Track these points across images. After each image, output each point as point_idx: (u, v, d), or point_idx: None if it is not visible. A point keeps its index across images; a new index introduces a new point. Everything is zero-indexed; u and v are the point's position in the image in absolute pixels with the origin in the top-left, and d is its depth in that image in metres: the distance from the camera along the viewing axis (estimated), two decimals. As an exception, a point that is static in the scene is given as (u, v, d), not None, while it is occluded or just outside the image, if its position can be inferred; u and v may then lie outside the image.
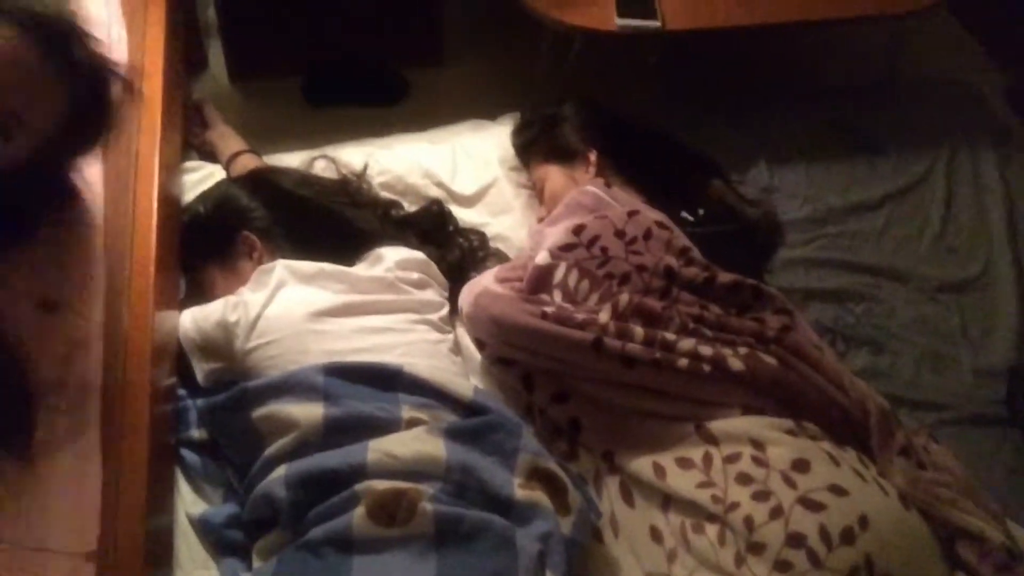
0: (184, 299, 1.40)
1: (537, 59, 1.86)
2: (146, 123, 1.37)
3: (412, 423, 1.21)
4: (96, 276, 1.16)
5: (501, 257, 1.60)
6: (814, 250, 1.68)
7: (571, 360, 1.28)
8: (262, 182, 1.52)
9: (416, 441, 1.18)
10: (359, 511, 1.08)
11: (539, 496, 1.16)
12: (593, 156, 1.56)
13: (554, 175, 1.60)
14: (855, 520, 1.11)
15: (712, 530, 1.15)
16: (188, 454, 1.27)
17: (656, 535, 1.20)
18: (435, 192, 1.66)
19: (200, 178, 1.61)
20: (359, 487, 1.12)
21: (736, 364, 1.27)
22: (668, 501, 1.21)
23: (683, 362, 1.25)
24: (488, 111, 1.83)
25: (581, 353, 1.27)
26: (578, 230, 1.40)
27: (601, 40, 1.68)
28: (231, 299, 1.30)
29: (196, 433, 1.28)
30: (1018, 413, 1.47)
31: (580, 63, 1.80)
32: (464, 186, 1.67)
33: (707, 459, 1.21)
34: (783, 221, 1.65)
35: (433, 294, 1.45)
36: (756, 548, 1.11)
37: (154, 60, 1.46)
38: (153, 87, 1.43)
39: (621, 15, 1.62)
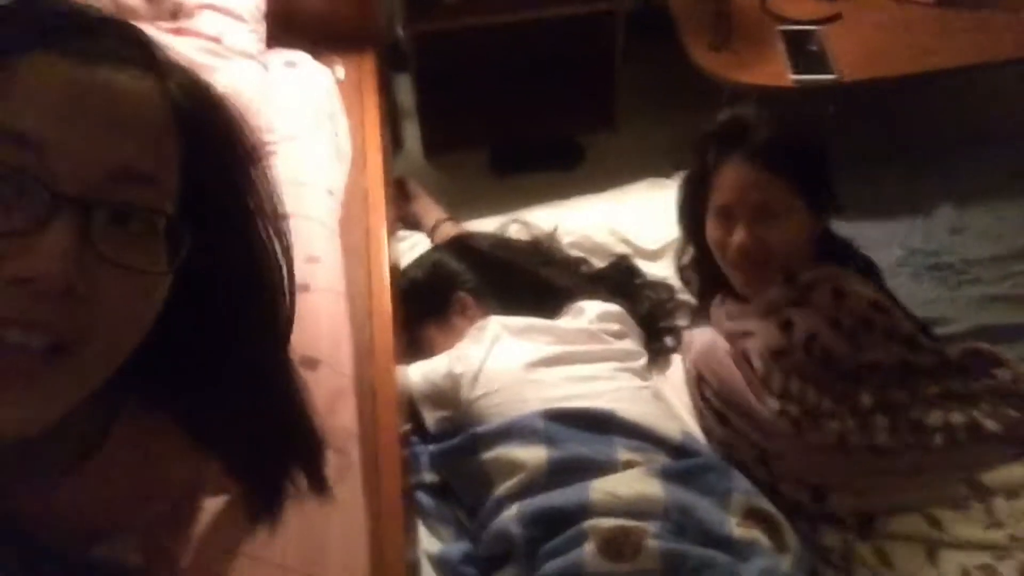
0: (407, 357, 1.55)
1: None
2: (373, 199, 1.55)
3: (628, 465, 1.29)
4: (345, 336, 1.32)
5: (688, 306, 1.68)
6: (1009, 288, 1.66)
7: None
8: (465, 248, 1.67)
9: (635, 481, 1.26)
10: (589, 547, 1.16)
11: (756, 534, 1.21)
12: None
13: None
14: None
15: (1009, 565, 1.14)
16: (421, 496, 1.39)
17: None
18: (621, 248, 1.76)
19: (409, 246, 1.78)
20: (586, 525, 1.20)
21: (990, 425, 1.24)
22: (936, 552, 1.19)
23: (938, 439, 1.23)
24: (662, 172, 1.93)
25: (825, 453, 1.26)
26: (786, 326, 1.30)
27: (776, 96, 1.75)
28: (454, 353, 1.44)
29: (428, 476, 1.41)
30: None
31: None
32: (648, 241, 1.77)
33: (987, 506, 1.20)
34: (972, 259, 1.64)
35: (631, 344, 1.54)
36: None
37: (373, 142, 1.65)
38: (375, 166, 1.61)
39: (796, 71, 1.69)
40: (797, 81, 1.68)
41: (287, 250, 0.64)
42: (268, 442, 0.68)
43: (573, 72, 2.07)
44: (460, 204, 1.90)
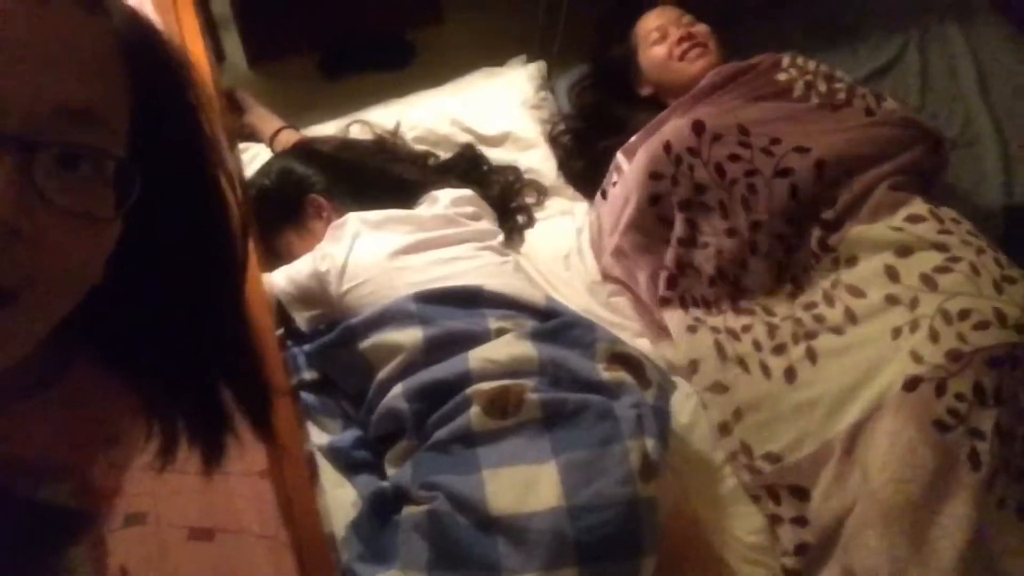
0: (267, 264, 1.55)
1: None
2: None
3: (500, 332, 1.37)
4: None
5: (537, 187, 1.76)
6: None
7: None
8: (310, 151, 1.67)
9: (508, 346, 1.34)
10: (475, 410, 1.24)
11: (622, 375, 1.33)
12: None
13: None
14: None
15: (963, 265, 1.33)
16: (304, 395, 1.43)
17: (891, 300, 1.35)
18: (464, 138, 1.81)
19: (250, 157, 1.75)
20: (469, 391, 1.28)
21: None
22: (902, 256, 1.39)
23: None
24: (493, 61, 1.98)
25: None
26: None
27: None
28: (317, 252, 1.45)
29: (307, 375, 1.44)
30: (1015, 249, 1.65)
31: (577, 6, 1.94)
32: (489, 128, 1.82)
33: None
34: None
35: (487, 224, 1.60)
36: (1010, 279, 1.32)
37: (196, 53, 1.58)
38: (203, 80, 1.55)
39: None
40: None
41: (238, 189, 0.63)
42: (215, 383, 0.66)
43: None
44: (294, 111, 1.86)
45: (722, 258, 1.49)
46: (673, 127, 1.55)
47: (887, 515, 1.19)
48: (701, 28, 1.73)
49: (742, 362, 1.43)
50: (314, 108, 1.91)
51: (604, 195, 1.67)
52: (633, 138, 1.65)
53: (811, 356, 1.38)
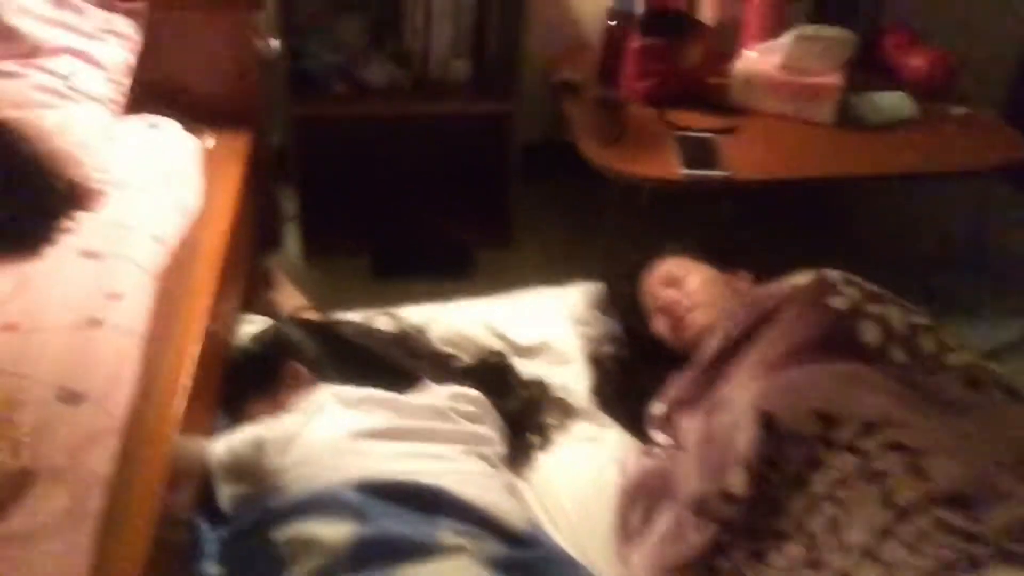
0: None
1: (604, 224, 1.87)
2: (209, 255, 1.38)
3: (451, 551, 1.04)
4: (127, 379, 1.10)
5: (562, 406, 1.48)
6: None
7: None
8: (317, 326, 1.49)
9: (457, 571, 1.01)
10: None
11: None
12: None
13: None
14: None
15: None
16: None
17: None
18: (495, 343, 1.58)
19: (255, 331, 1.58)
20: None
21: None
22: None
23: None
24: (556, 284, 1.80)
25: None
26: None
27: (669, 192, 1.67)
28: (269, 419, 1.21)
29: (213, 570, 1.13)
30: None
31: (650, 223, 1.77)
32: (526, 337, 1.59)
33: None
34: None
35: (488, 430, 1.32)
36: None
37: (226, 204, 1.51)
38: (219, 231, 1.45)
39: (687, 167, 1.61)
40: (687, 175, 1.60)
41: None
42: None
43: (468, 186, 1.99)
44: (337, 306, 1.72)
45: None
46: None
47: None
48: (686, 286, 1.44)
49: None
50: (357, 305, 1.76)
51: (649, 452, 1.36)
52: (656, 408, 1.38)
53: None
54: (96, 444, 1.00)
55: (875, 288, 1.27)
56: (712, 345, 1.32)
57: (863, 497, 1.04)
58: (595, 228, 1.93)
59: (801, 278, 1.30)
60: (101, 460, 0.98)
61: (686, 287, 1.45)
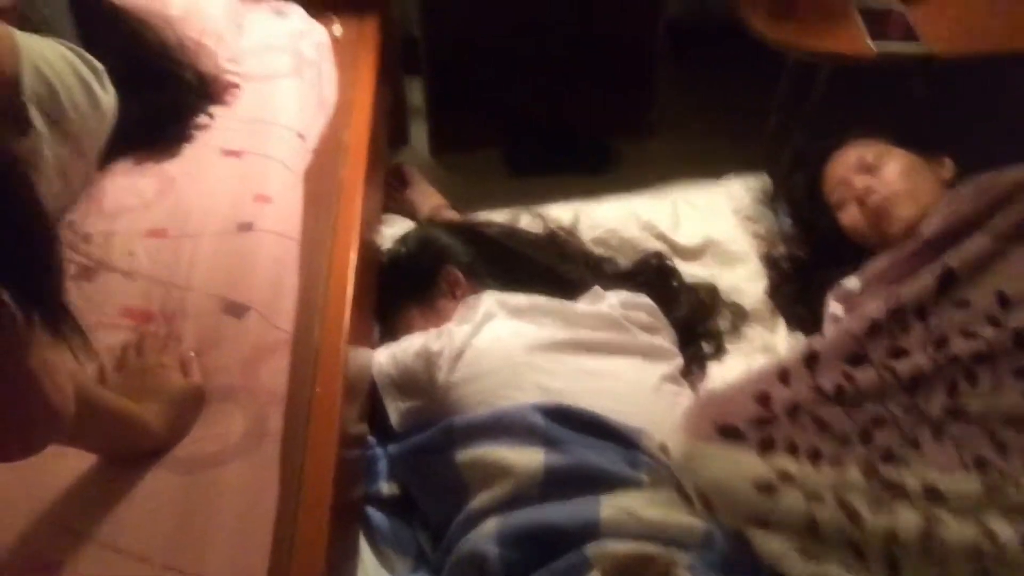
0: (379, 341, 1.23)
1: (768, 109, 1.67)
2: (353, 152, 1.27)
3: (656, 484, 0.94)
4: (289, 287, 1.02)
5: (736, 311, 1.34)
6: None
7: None
8: (461, 227, 1.38)
9: (665, 505, 0.91)
10: (594, 579, 0.81)
11: None
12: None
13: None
14: None
15: None
16: (375, 514, 1.04)
17: None
18: (654, 245, 1.45)
19: (396, 232, 1.48)
20: (591, 549, 0.85)
21: None
22: None
23: None
24: (708, 177, 1.64)
25: None
26: None
27: (850, 73, 1.45)
28: (434, 330, 1.12)
29: (386, 487, 1.06)
30: None
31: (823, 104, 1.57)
32: (689, 237, 1.45)
33: None
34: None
35: (664, 341, 1.20)
36: None
37: (363, 98, 1.38)
38: (361, 121, 1.34)
39: (875, 37, 1.40)
40: (880, 50, 1.38)
41: None
42: None
43: (609, 72, 1.81)
44: (470, 203, 1.60)
45: None
46: None
47: None
48: (885, 174, 1.27)
49: None
50: (492, 202, 1.64)
51: None
52: (849, 282, 1.23)
53: None
54: (267, 359, 0.92)
55: None
56: (933, 224, 1.17)
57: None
58: (748, 116, 1.74)
59: None
60: (275, 376, 0.91)
61: (883, 175, 1.27)
